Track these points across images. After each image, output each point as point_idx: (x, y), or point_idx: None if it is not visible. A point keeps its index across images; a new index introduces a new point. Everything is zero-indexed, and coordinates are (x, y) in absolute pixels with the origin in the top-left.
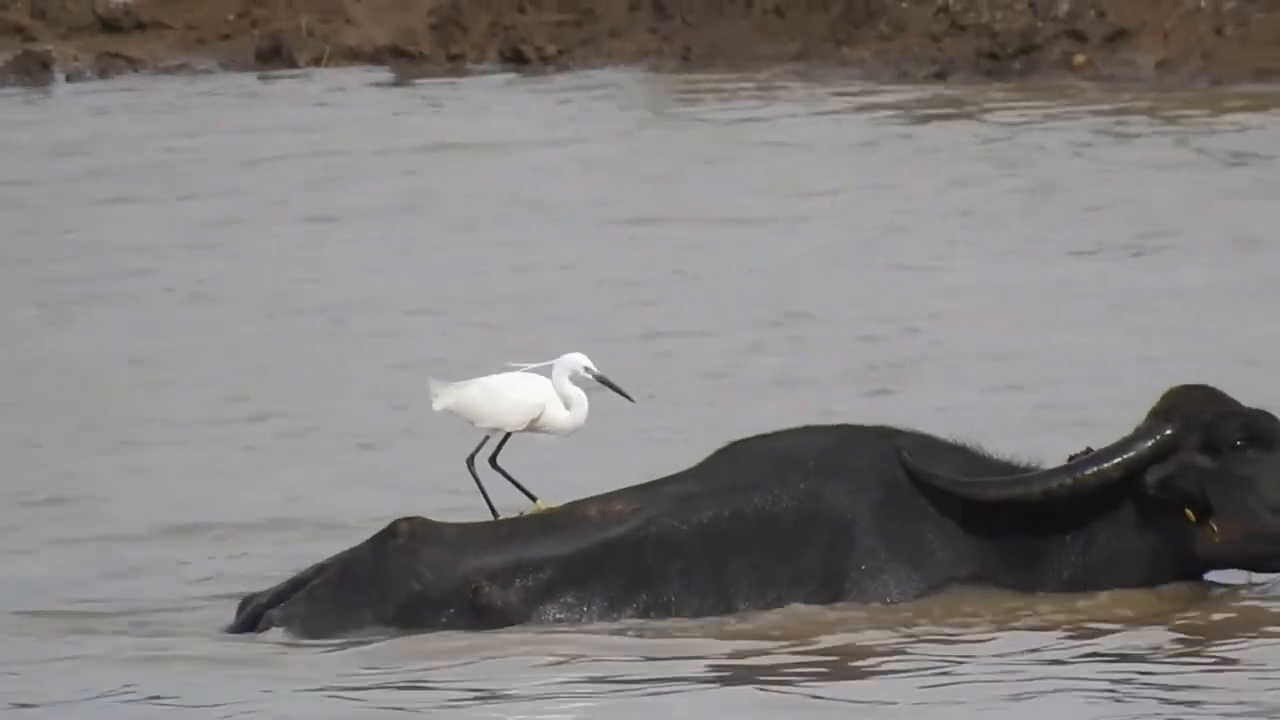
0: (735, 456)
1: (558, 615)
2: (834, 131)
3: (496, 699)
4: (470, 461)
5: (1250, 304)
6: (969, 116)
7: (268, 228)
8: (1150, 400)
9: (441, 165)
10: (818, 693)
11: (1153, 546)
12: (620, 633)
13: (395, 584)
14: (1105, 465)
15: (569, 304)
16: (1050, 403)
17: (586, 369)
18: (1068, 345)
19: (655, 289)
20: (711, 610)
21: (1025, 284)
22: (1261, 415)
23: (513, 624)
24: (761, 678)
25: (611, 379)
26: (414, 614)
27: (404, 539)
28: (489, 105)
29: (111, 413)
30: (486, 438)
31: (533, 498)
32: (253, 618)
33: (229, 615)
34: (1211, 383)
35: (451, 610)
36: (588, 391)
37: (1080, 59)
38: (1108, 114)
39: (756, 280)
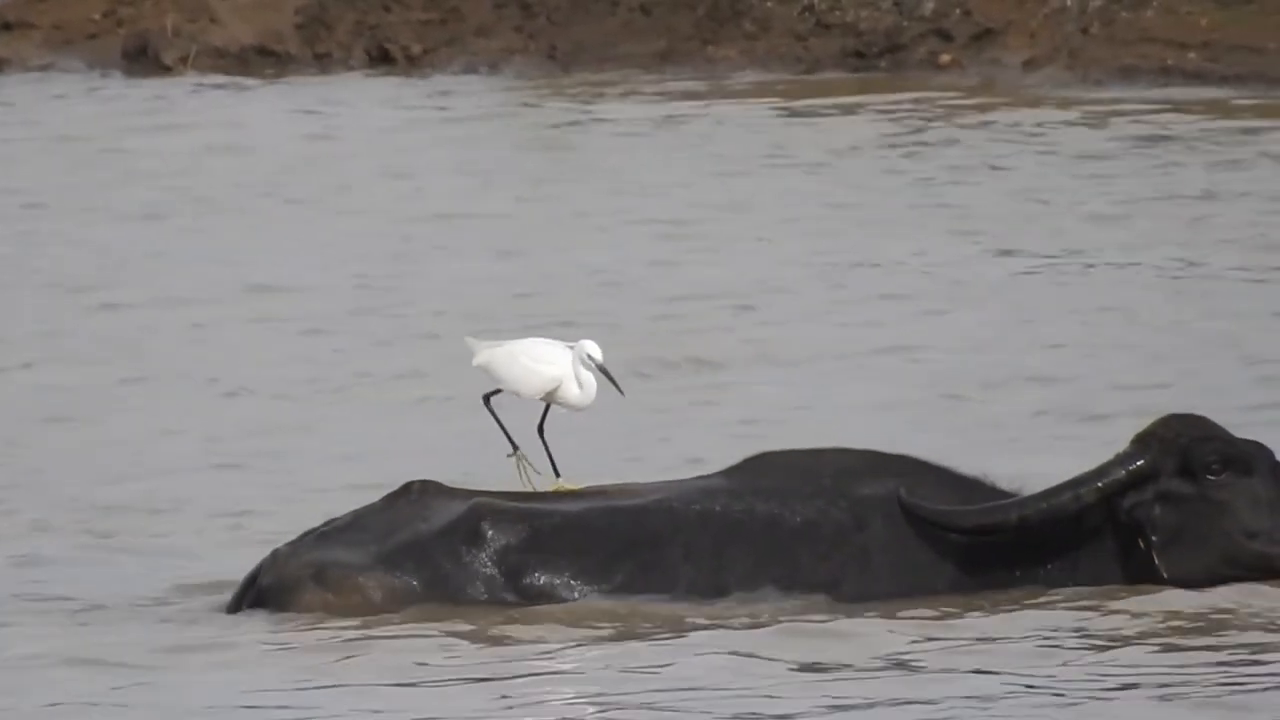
0: (761, 463)
1: (555, 559)
2: (699, 129)
3: None
4: (539, 429)
5: (1078, 294)
6: (831, 115)
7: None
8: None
9: (288, 162)
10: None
11: (1134, 572)
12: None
13: (401, 526)
14: (1080, 491)
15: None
16: (878, 395)
17: (589, 356)
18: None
19: (489, 287)
20: (705, 583)
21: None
22: (1241, 442)
23: (506, 563)
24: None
25: (611, 371)
26: (416, 547)
27: (416, 495)
28: (349, 104)
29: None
30: (547, 409)
31: (557, 474)
32: (262, 564)
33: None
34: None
35: (452, 538)
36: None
37: (946, 58)
38: (972, 112)
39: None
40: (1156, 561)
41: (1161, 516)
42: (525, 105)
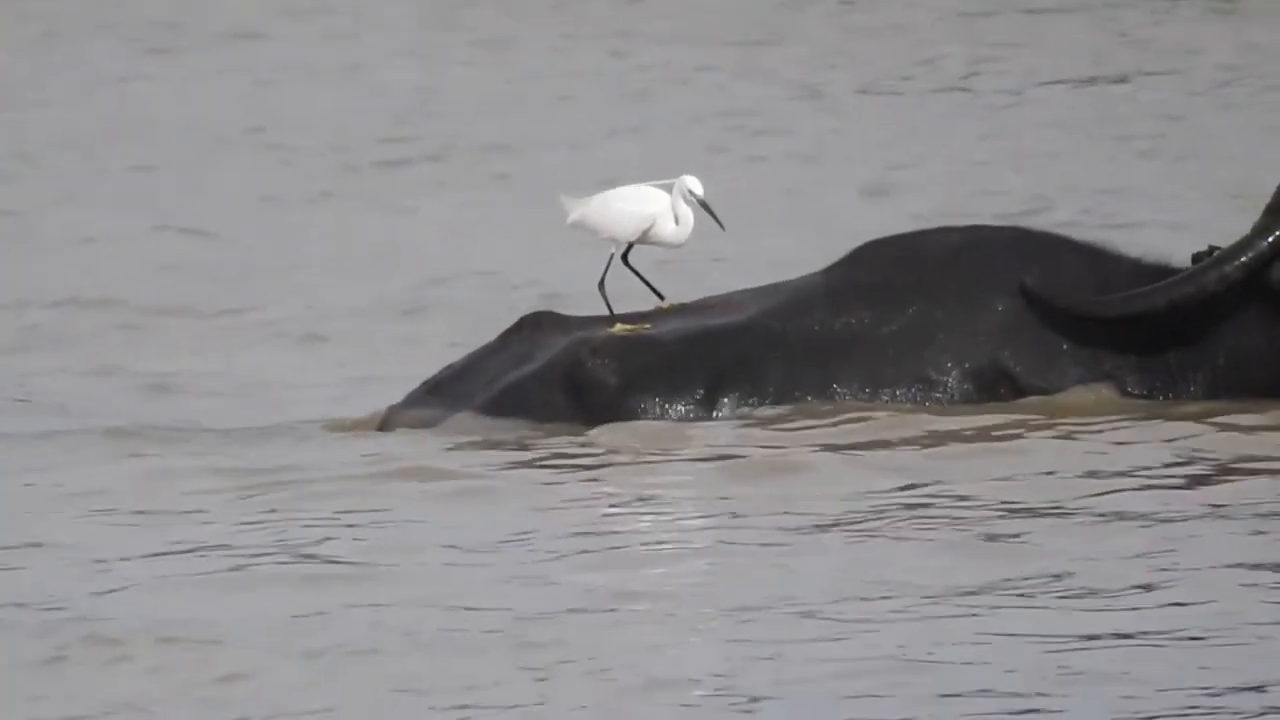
0: (864, 256)
1: (654, 394)
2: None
3: None
4: (600, 284)
5: None
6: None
7: None
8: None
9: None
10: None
11: None
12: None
13: (509, 368)
14: (1227, 269)
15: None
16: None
17: (691, 191)
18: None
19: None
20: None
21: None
22: None
23: (606, 398)
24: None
25: (712, 205)
26: (517, 390)
27: (529, 330)
28: None
29: None
30: (611, 259)
31: (660, 297)
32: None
33: None
34: None
35: (550, 378)
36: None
37: None
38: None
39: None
40: None
41: None
42: None
